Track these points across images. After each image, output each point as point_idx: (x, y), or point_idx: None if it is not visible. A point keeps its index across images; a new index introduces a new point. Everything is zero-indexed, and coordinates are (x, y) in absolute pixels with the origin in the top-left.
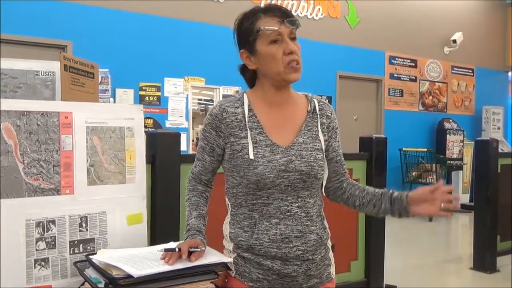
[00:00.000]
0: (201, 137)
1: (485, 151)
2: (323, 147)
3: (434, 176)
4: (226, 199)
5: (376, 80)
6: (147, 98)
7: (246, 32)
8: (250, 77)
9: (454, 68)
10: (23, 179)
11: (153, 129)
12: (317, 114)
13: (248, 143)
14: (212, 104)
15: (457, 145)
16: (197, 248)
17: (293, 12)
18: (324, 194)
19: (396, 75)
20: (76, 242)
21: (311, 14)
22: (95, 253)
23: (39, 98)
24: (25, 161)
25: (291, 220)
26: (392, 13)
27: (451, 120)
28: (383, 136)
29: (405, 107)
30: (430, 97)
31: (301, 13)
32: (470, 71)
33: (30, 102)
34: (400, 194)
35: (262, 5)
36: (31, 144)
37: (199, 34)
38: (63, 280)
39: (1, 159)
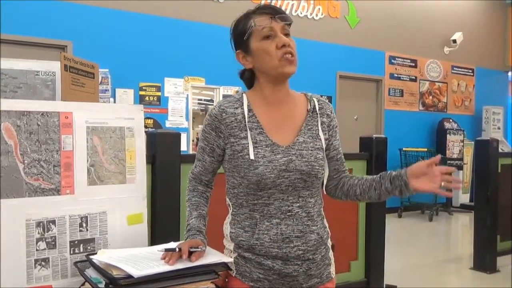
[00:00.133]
0: (201, 138)
1: (485, 151)
2: (324, 146)
3: None
4: (227, 199)
5: (376, 80)
6: (147, 98)
7: (239, 32)
8: (249, 77)
9: (454, 68)
10: (23, 179)
11: (153, 129)
12: (317, 113)
13: (248, 143)
14: (212, 104)
15: (457, 145)
16: (198, 248)
17: (293, 12)
18: (324, 193)
19: (396, 75)
20: (76, 242)
21: (311, 14)
22: (96, 253)
23: (39, 98)
24: (26, 161)
25: (292, 220)
26: (392, 13)
27: (451, 120)
28: (383, 136)
29: (405, 107)
30: (430, 97)
31: (301, 13)
32: (470, 71)
33: (30, 102)
34: (399, 171)
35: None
36: (31, 144)
37: (199, 34)
38: (64, 280)
39: (1, 159)
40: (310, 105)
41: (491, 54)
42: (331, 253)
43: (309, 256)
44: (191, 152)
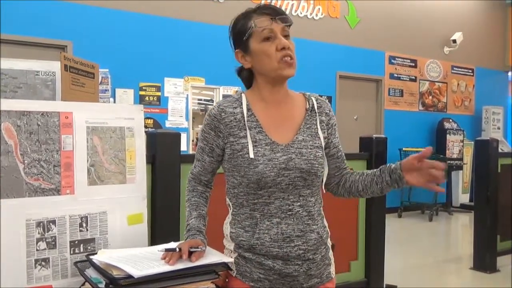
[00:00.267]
0: (200, 138)
1: (485, 151)
2: (323, 145)
3: None
4: (227, 199)
5: (376, 80)
6: (147, 98)
7: (239, 31)
8: (247, 77)
9: (454, 68)
10: (23, 179)
11: (153, 129)
12: (315, 112)
13: (248, 142)
14: (212, 104)
15: (457, 145)
16: (198, 248)
17: (293, 12)
18: (325, 192)
19: (396, 75)
20: (76, 242)
21: (311, 14)
22: (96, 253)
23: (39, 98)
24: (26, 161)
25: (292, 219)
26: (392, 13)
27: (451, 120)
28: (383, 136)
29: (405, 107)
30: (430, 97)
31: (301, 13)
32: (470, 71)
33: (30, 102)
34: (396, 164)
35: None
36: (32, 144)
37: (199, 34)
38: (64, 280)
39: (1, 159)
40: (309, 104)
41: (491, 54)
42: (331, 253)
43: (310, 256)
44: (191, 152)
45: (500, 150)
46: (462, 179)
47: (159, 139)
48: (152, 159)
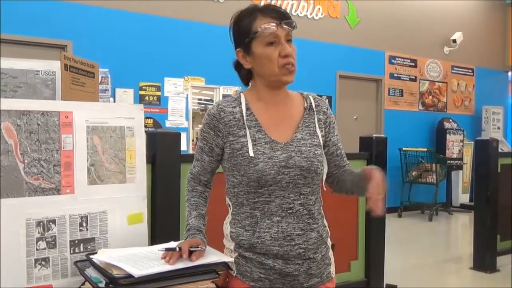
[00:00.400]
0: (200, 138)
1: (485, 151)
2: (321, 143)
3: (434, 176)
4: (227, 199)
5: (376, 80)
6: (147, 98)
7: (243, 31)
8: (245, 75)
9: (454, 68)
10: (23, 179)
11: (153, 129)
12: (313, 111)
13: (247, 141)
14: (212, 104)
15: (457, 145)
16: (198, 247)
17: (293, 12)
18: (325, 189)
19: (396, 75)
20: (76, 241)
21: (311, 14)
22: (96, 253)
23: (39, 98)
24: (26, 161)
25: (292, 218)
26: (392, 13)
27: (451, 120)
28: (383, 136)
29: (405, 107)
30: (430, 97)
31: (301, 13)
32: (470, 71)
33: (30, 102)
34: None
35: (262, 4)
36: (32, 144)
37: (199, 34)
38: (64, 280)
39: (1, 159)
40: (307, 103)
41: (491, 54)
42: (331, 253)
43: (310, 255)
44: (191, 152)
45: (500, 150)
46: (462, 179)
47: (159, 138)
48: (152, 158)
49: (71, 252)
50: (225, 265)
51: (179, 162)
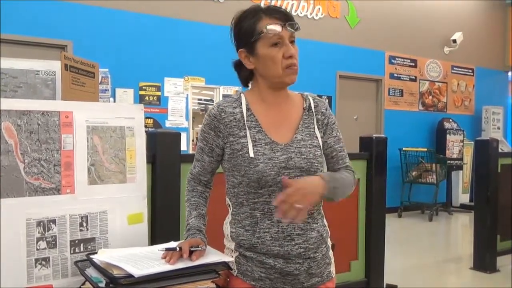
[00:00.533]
0: (200, 138)
1: (485, 151)
2: (321, 144)
3: (434, 176)
4: (227, 199)
5: (376, 80)
6: (147, 98)
7: (246, 32)
8: (246, 76)
9: (454, 68)
10: (23, 179)
11: (153, 129)
12: (312, 112)
13: (247, 142)
14: (212, 104)
15: (457, 145)
16: (198, 247)
17: (293, 12)
18: None
19: (396, 75)
20: (76, 241)
21: (311, 14)
22: (96, 253)
23: (39, 98)
24: (26, 161)
25: None
26: (392, 13)
27: (451, 120)
28: (383, 136)
29: (405, 107)
30: (430, 97)
31: (301, 13)
32: (470, 71)
33: (30, 102)
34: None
35: (262, 4)
36: (32, 144)
37: (199, 34)
38: (64, 280)
39: (1, 159)
40: (306, 104)
41: (491, 54)
42: (331, 253)
43: (310, 255)
44: (191, 152)
45: (500, 150)
46: (462, 179)
47: (159, 138)
48: (152, 158)
49: (72, 252)
50: (225, 265)
51: (179, 162)
